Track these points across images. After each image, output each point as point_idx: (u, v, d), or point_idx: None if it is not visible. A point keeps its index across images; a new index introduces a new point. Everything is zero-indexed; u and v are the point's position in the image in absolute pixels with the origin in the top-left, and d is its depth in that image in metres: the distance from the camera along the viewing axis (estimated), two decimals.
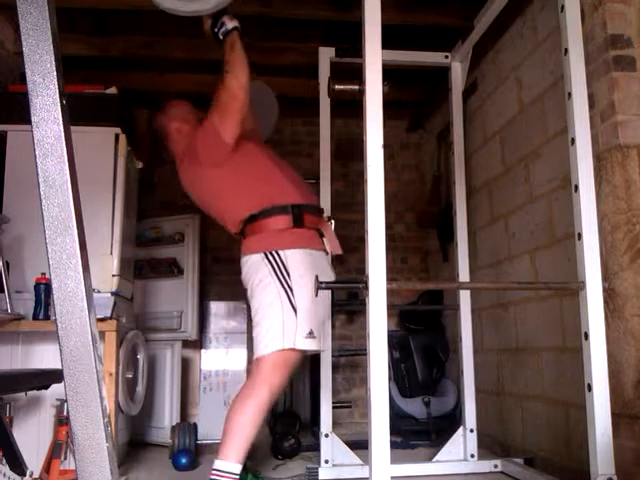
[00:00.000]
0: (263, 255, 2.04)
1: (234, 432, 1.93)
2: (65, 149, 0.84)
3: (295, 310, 1.99)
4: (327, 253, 2.23)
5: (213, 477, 1.90)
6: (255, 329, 2.06)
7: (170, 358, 3.53)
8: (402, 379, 3.90)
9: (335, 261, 2.29)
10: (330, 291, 2.22)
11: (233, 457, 1.91)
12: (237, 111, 2.07)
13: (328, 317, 2.27)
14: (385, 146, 1.71)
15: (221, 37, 2.11)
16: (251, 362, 2.23)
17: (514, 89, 2.89)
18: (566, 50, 1.99)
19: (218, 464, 1.91)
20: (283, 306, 1.99)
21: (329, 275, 2.22)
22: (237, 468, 1.91)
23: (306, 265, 2.05)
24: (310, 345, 2.01)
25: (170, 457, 2.90)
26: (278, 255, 2.03)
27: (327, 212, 2.74)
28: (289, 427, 3.48)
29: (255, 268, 2.06)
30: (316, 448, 2.75)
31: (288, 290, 2.00)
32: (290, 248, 2.05)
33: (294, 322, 1.99)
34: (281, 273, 2.01)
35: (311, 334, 2.00)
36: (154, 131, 2.46)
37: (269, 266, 2.02)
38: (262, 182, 2.15)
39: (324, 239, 2.21)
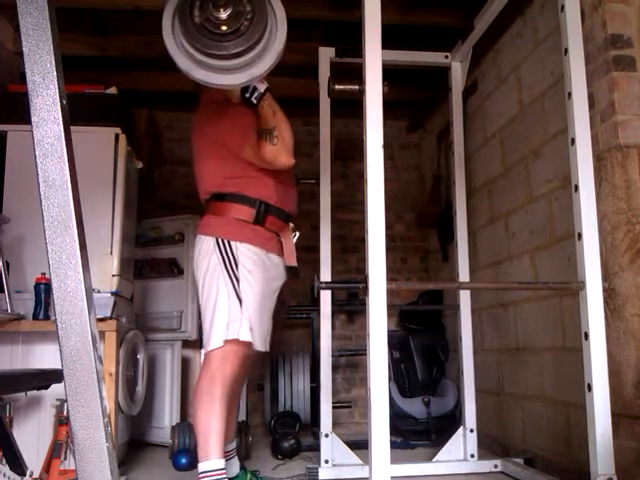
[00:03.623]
0: (215, 242, 2.04)
1: (204, 432, 1.94)
2: (65, 149, 0.84)
3: (240, 301, 1.99)
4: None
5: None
6: (203, 323, 2.06)
7: (170, 358, 3.52)
8: (402, 379, 3.90)
9: (291, 272, 2.26)
10: (276, 293, 2.21)
11: (213, 454, 1.91)
12: (271, 167, 2.07)
13: (270, 324, 2.24)
14: (385, 146, 1.71)
15: (255, 102, 2.04)
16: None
17: (514, 89, 2.89)
18: (566, 50, 1.99)
19: (202, 466, 1.92)
20: (229, 296, 1.99)
21: (280, 280, 2.20)
22: (220, 463, 1.92)
23: (256, 263, 2.05)
24: (253, 339, 2.00)
25: (170, 457, 2.90)
26: (230, 245, 2.02)
27: (327, 213, 2.75)
28: (289, 427, 3.48)
29: (206, 254, 2.05)
30: (316, 448, 2.75)
31: (234, 280, 2.00)
32: (243, 242, 2.04)
33: (239, 312, 1.98)
34: (229, 263, 2.01)
35: (252, 330, 1.99)
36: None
37: (219, 255, 2.02)
38: (249, 169, 2.11)
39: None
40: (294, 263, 2.20)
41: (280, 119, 2.05)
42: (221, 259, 2.02)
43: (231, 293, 1.99)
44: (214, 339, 1.98)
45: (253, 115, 2.06)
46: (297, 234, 2.25)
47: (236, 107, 2.10)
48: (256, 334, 2.02)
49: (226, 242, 2.03)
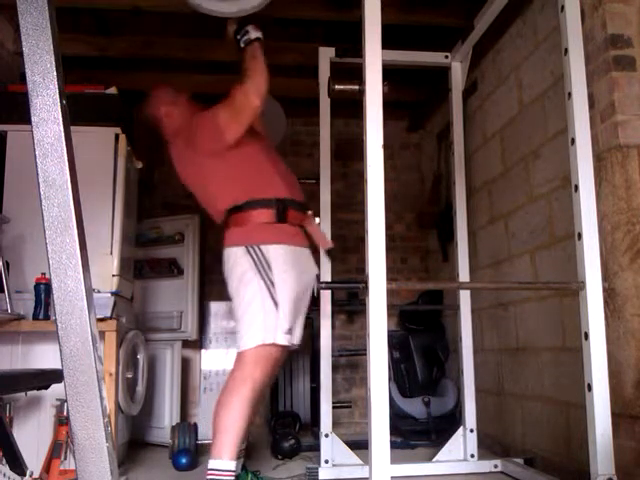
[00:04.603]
0: (245, 249, 2.04)
1: (223, 430, 1.94)
2: (65, 149, 0.84)
3: (276, 305, 1.99)
4: (312, 250, 2.23)
5: (210, 477, 1.91)
6: (237, 325, 2.06)
7: (170, 358, 3.52)
8: (402, 379, 3.90)
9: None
10: (311, 289, 2.22)
11: (226, 455, 1.91)
12: (248, 117, 2.08)
13: (305, 312, 2.26)
14: (385, 146, 1.71)
15: (242, 44, 2.11)
16: None
17: (514, 89, 2.89)
18: (566, 50, 1.99)
19: (212, 463, 1.92)
20: (264, 301, 1.99)
21: (312, 272, 2.22)
22: (232, 465, 1.91)
23: (288, 261, 2.05)
24: (289, 341, 2.02)
25: (170, 457, 2.90)
26: (260, 250, 2.02)
27: (327, 213, 2.75)
28: (289, 427, 3.48)
29: (237, 262, 2.05)
30: (316, 448, 2.75)
31: (270, 285, 2.00)
32: (272, 243, 2.05)
33: (275, 317, 1.99)
34: (262, 268, 2.01)
35: (290, 331, 2.01)
36: (145, 123, 2.44)
37: (251, 261, 2.02)
38: (251, 174, 2.14)
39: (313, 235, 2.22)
40: (330, 245, 2.21)
41: (257, 63, 2.07)
42: (253, 264, 2.01)
43: (266, 298, 1.99)
44: (249, 341, 1.98)
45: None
46: (318, 219, 2.25)
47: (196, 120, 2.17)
48: (294, 332, 2.05)
49: (256, 247, 2.03)
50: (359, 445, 2.50)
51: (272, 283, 2.00)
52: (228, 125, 2.08)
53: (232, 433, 1.92)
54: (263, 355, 1.98)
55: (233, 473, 1.91)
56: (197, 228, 3.75)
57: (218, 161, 2.13)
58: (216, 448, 1.93)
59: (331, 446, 2.59)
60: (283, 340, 1.99)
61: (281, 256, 2.04)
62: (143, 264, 3.66)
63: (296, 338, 2.14)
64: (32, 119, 0.84)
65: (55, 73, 0.85)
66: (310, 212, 2.24)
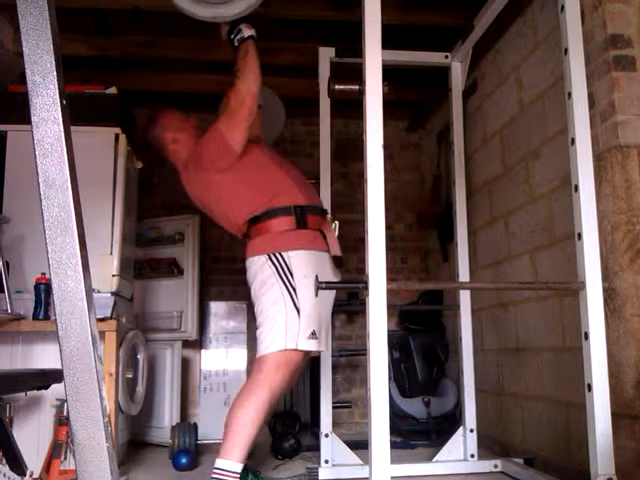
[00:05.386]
0: (267, 257, 2.06)
1: (235, 431, 1.93)
2: (65, 149, 0.84)
3: (298, 311, 2.00)
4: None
5: (215, 476, 1.91)
6: (258, 329, 2.07)
7: (170, 358, 3.52)
8: (402, 379, 3.90)
9: (336, 261, 2.28)
10: (334, 291, 2.23)
11: (234, 456, 1.91)
12: (245, 118, 2.08)
13: (329, 317, 2.28)
14: (385, 146, 1.71)
15: (236, 44, 2.12)
16: (252, 362, 2.23)
17: (514, 89, 2.89)
18: (566, 50, 1.99)
19: (219, 463, 1.91)
20: (286, 307, 2.00)
21: (333, 276, 2.21)
22: (238, 467, 1.91)
23: (310, 266, 2.06)
24: (313, 346, 2.03)
25: (170, 457, 2.90)
26: (282, 256, 2.04)
27: (328, 212, 2.75)
28: (289, 427, 3.48)
29: (259, 270, 2.07)
30: (316, 448, 2.74)
31: (292, 291, 2.01)
32: (293, 249, 2.05)
33: (297, 322, 2.00)
34: (284, 274, 2.02)
35: (314, 334, 2.01)
36: (149, 144, 2.45)
37: (272, 267, 2.04)
38: (265, 184, 2.15)
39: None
40: (338, 253, 2.22)
41: (248, 61, 2.07)
42: (275, 271, 2.03)
43: (289, 304, 2.00)
44: (270, 346, 1.99)
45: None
46: (337, 223, 2.25)
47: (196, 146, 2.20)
48: (320, 337, 2.05)
49: (277, 254, 2.05)
50: (359, 445, 2.50)
51: (294, 289, 2.01)
52: (230, 133, 2.09)
53: (244, 435, 1.93)
54: (284, 360, 1.99)
55: (237, 475, 1.90)
56: (197, 228, 3.76)
57: (229, 176, 2.14)
58: (225, 448, 1.93)
59: (331, 446, 2.59)
60: (305, 345, 1.99)
61: (302, 261, 2.05)
62: (143, 264, 3.66)
63: (323, 343, 2.14)
64: (32, 119, 0.84)
65: (55, 73, 0.85)
66: (329, 216, 2.25)
